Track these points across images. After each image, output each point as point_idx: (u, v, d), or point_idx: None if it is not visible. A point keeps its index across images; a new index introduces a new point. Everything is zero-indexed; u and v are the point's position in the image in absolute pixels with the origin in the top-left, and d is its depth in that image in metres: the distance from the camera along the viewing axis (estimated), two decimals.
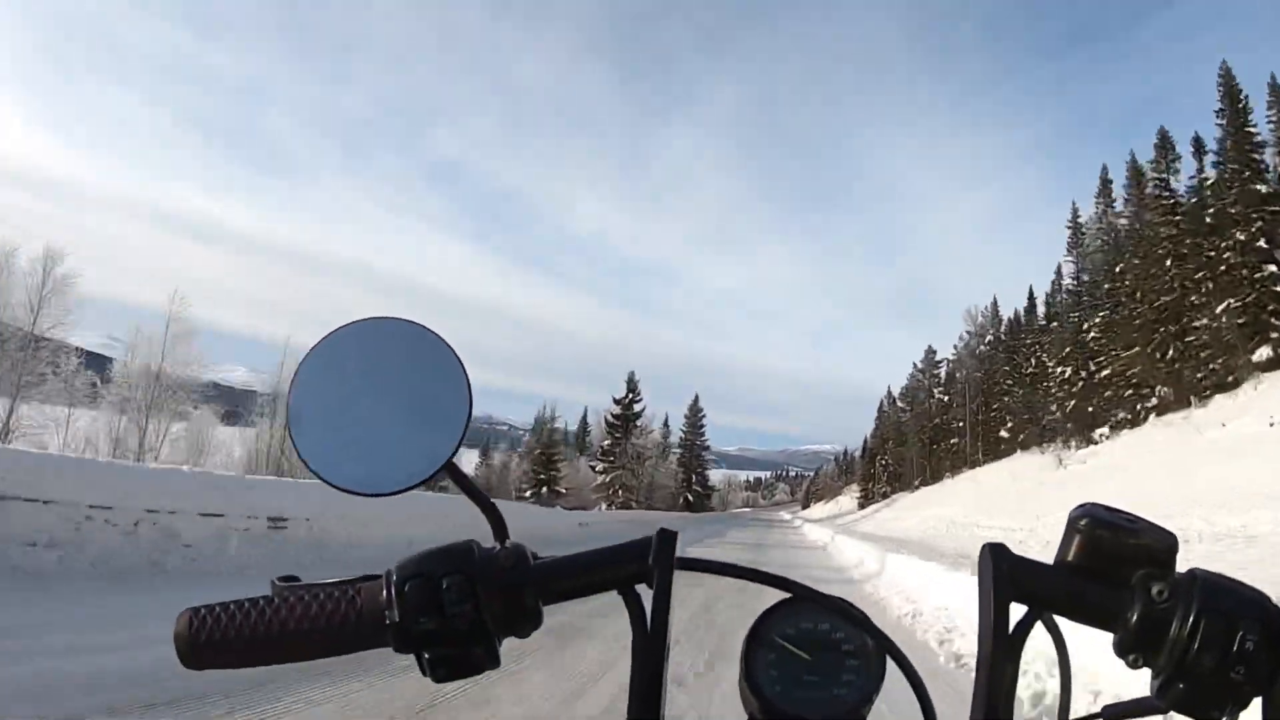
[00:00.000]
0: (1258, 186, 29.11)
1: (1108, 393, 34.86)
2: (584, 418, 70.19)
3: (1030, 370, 46.77)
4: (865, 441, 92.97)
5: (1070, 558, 0.44)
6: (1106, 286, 37.31)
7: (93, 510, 6.59)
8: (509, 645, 0.47)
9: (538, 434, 54.44)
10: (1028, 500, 23.86)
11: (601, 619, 5.28)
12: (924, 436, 60.34)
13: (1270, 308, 27.37)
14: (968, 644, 5.49)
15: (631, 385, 55.93)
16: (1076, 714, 0.47)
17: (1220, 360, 28.42)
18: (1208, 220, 31.09)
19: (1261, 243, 28.12)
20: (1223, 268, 29.35)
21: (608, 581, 0.47)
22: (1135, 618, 0.41)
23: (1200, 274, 30.43)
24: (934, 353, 65.60)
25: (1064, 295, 45.08)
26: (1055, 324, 44.16)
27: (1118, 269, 36.39)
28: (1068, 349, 39.65)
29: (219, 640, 0.44)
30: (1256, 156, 30.13)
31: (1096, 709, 0.47)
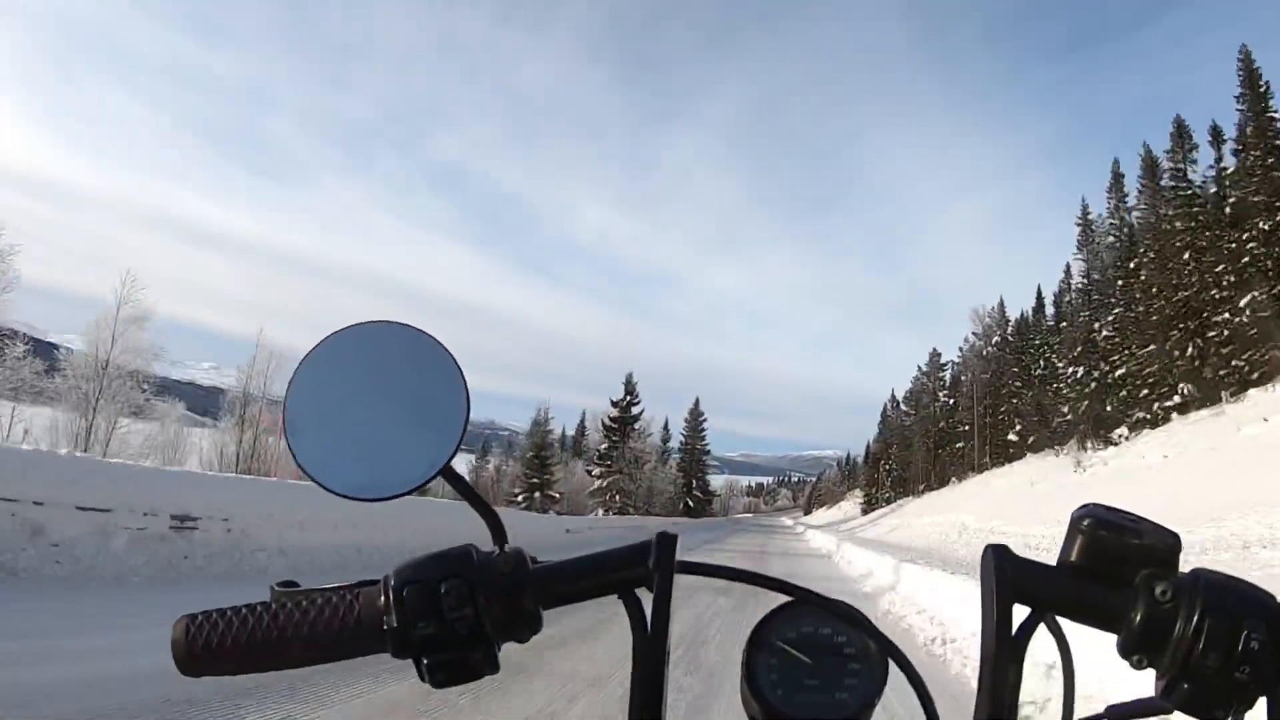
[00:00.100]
0: None
1: (1122, 393, 33.51)
2: (581, 421, 68.89)
3: (1039, 371, 45.61)
4: (868, 446, 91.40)
5: (1073, 559, 0.43)
6: (1120, 283, 35.95)
7: None
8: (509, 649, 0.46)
9: (531, 437, 52.97)
10: (1044, 504, 22.45)
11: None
12: (929, 441, 58.89)
13: None
14: (1030, 688, 4.14)
15: (629, 387, 54.48)
16: (1080, 715, 0.46)
17: (1245, 355, 27.00)
18: (1227, 211, 29.77)
19: None
20: (1245, 259, 28.00)
21: (608, 585, 0.47)
22: (1139, 618, 0.41)
23: (1221, 267, 29.08)
24: (939, 355, 64.21)
25: (1074, 294, 43.88)
26: (1065, 323, 43.04)
27: (1132, 265, 35.04)
28: (1079, 349, 38.39)
29: (216, 647, 0.44)
30: (1279, 143, 28.79)
31: (1100, 710, 0.46)
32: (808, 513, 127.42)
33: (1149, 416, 31.16)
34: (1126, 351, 34.18)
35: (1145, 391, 32.05)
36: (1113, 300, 36.68)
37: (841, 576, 12.75)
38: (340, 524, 9.46)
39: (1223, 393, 26.84)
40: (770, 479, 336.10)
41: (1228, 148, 31.16)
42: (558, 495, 47.25)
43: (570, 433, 70.96)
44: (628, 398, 54.14)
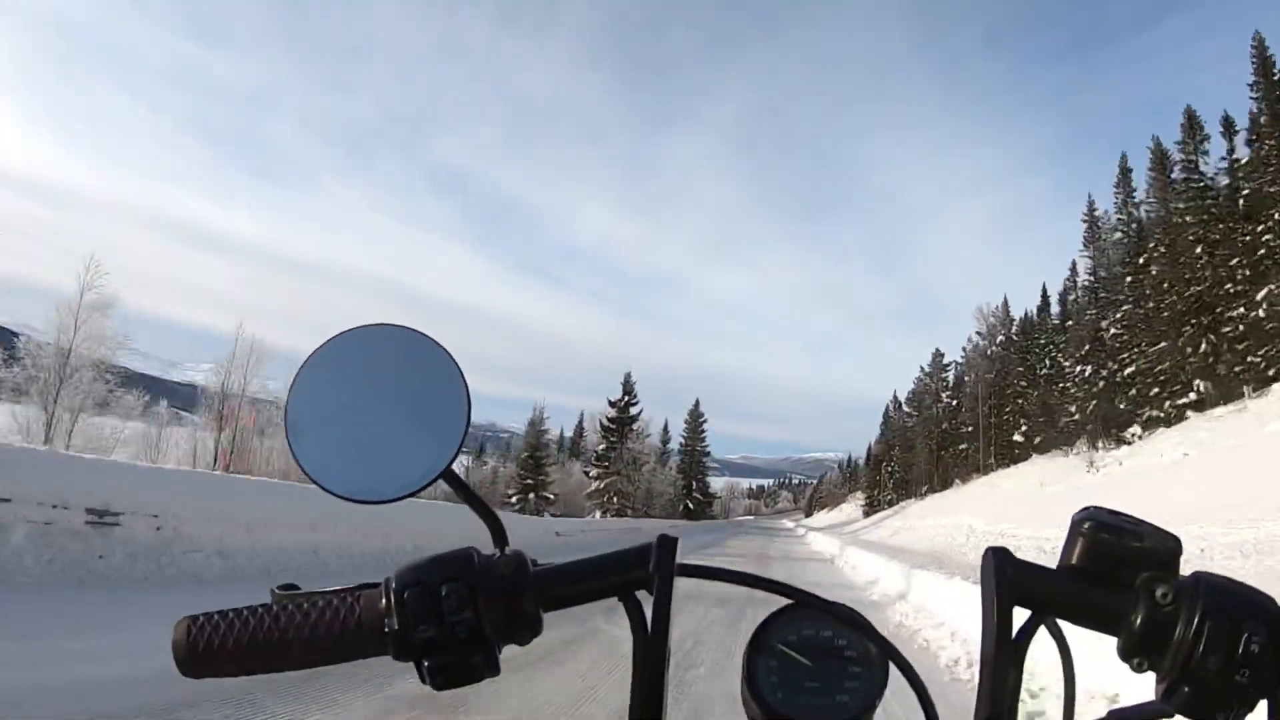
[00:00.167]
0: None
1: (1132, 391, 32.61)
2: (579, 421, 67.99)
3: (1045, 371, 44.75)
4: (870, 448, 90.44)
5: (1074, 561, 0.43)
6: (1129, 279, 35.05)
7: None
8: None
9: (527, 437, 52.05)
10: (1055, 505, 21.50)
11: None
12: (931, 442, 57.87)
13: None
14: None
15: (627, 387, 53.54)
16: (1081, 719, 0.46)
17: (1262, 351, 26.09)
18: (1241, 203, 28.89)
19: None
20: (1261, 251, 27.11)
21: (608, 588, 0.47)
22: (1139, 621, 0.41)
23: (1235, 260, 28.19)
24: (942, 356, 63.29)
25: (1080, 292, 43.02)
26: (1071, 322, 42.13)
27: (1141, 260, 34.14)
28: (1086, 347, 37.54)
29: (218, 648, 0.44)
30: None
31: (1102, 713, 0.45)
32: (808, 515, 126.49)
33: (1163, 415, 30.23)
34: (1136, 349, 33.31)
35: (1157, 390, 31.16)
36: (1121, 297, 35.81)
37: (846, 583, 11.82)
38: (295, 524, 8.57)
39: (1244, 388, 25.91)
40: (771, 481, 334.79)
41: (1240, 138, 30.33)
42: (553, 496, 46.30)
43: (569, 434, 70.15)
44: (626, 398, 53.21)
